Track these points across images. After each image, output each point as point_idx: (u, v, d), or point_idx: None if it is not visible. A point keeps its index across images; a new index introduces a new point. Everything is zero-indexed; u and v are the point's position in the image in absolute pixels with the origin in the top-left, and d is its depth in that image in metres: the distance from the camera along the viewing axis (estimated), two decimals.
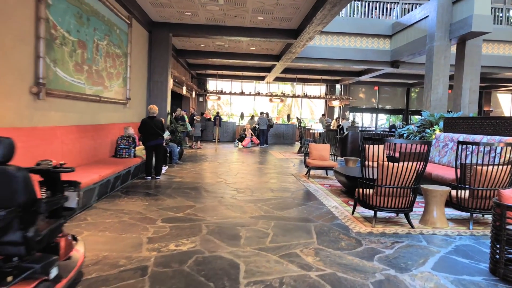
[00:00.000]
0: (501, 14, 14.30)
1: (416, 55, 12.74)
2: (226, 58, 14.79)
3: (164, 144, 8.86)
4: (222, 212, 4.94)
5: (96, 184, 5.08)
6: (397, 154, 9.15)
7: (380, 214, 4.89)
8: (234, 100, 23.10)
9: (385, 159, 8.10)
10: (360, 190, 4.74)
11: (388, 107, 23.83)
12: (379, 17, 14.86)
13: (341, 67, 17.48)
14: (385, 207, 4.47)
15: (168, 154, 9.11)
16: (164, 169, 8.00)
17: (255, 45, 12.90)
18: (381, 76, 18.72)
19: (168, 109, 10.58)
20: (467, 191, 4.64)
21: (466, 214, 5.07)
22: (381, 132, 10.11)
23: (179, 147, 10.03)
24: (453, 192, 4.80)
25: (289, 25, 10.08)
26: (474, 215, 4.71)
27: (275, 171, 9.12)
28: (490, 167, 4.46)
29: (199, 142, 14.65)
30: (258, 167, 9.66)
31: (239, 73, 20.30)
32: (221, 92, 20.93)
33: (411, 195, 4.52)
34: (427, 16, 11.09)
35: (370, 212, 4.99)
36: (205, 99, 21.80)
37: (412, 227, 4.48)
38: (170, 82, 11.19)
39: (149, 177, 7.30)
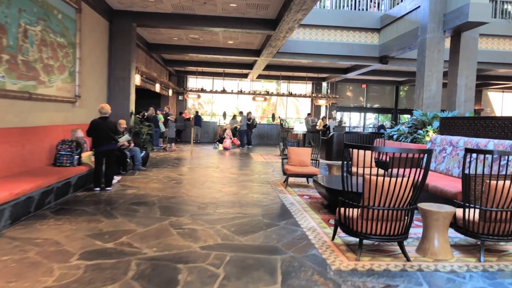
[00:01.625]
0: (495, 7, 13.45)
1: (407, 49, 11.82)
2: (202, 53, 13.68)
3: (127, 148, 7.78)
4: (167, 240, 3.87)
5: (5, 205, 3.96)
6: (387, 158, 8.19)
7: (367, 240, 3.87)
8: (216, 99, 21.99)
9: (373, 168, 7.12)
10: (342, 210, 3.72)
11: (376, 106, 22.99)
12: (367, 10, 13.90)
13: (327, 63, 16.54)
14: (374, 234, 3.46)
15: (128, 160, 8.00)
16: (116, 179, 6.89)
17: (232, 38, 11.83)
18: (369, 73, 17.82)
19: (132, 108, 9.45)
20: (476, 212, 3.66)
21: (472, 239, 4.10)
22: (369, 133, 9.14)
23: (144, 152, 8.92)
24: (458, 212, 3.81)
25: (267, 14, 9.03)
26: (485, 242, 3.73)
27: (251, 178, 8.07)
28: (507, 182, 3.47)
29: (173, 144, 13.52)
30: (232, 174, 8.60)
31: (220, 70, 19.23)
32: (202, 90, 19.80)
33: (406, 218, 3.52)
34: (419, 6, 10.16)
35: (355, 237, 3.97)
36: (184, 98, 20.64)
37: (408, 260, 3.48)
38: (136, 78, 10.07)
39: (98, 189, 6.18)
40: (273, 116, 20.84)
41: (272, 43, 10.96)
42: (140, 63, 11.67)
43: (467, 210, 3.68)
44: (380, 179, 3.36)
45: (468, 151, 3.63)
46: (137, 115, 14.20)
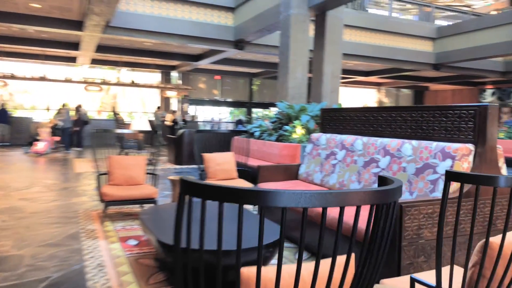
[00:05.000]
0: None
1: (265, 32, 10.24)
2: None
3: None
4: None
5: None
6: (253, 162, 6.28)
7: None
8: (37, 88, 17.22)
9: (236, 180, 5.04)
10: None
11: (230, 99, 21.58)
12: None
13: (176, 47, 14.04)
14: None
15: None
16: None
17: None
18: (223, 62, 16.05)
19: None
20: None
21: None
22: (228, 132, 7.13)
23: None
24: None
25: None
26: None
27: (50, 206, 5.11)
28: None
29: None
30: (22, 199, 5.44)
31: (39, 49, 14.78)
32: (12, 77, 15.04)
33: None
34: None
35: None
36: None
37: None
38: None
39: None
40: (114, 111, 17.37)
41: (94, 8, 7.95)
42: None
43: None
44: (269, 273, 1.14)
45: (451, 178, 1.66)
46: None
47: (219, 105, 21.50)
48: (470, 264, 1.71)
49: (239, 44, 11.87)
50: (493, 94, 21.03)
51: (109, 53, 14.62)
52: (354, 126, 4.26)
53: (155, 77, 18.96)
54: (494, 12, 18.27)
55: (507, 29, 12.53)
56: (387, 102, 24.62)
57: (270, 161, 6.57)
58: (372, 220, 1.20)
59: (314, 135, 4.74)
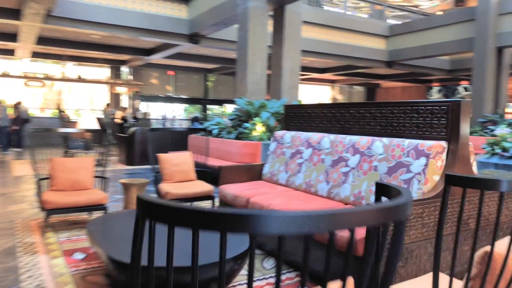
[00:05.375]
0: None
1: (221, 25, 9.90)
2: None
3: None
4: None
5: None
6: (212, 162, 5.95)
7: None
8: None
9: (195, 182, 4.69)
10: None
11: (184, 96, 20.96)
12: None
13: (126, 40, 13.30)
14: None
15: None
16: None
17: None
18: (176, 57, 15.48)
19: None
20: None
21: None
22: (185, 129, 6.74)
23: None
24: None
25: None
26: None
27: None
28: None
29: None
30: None
31: None
32: None
33: None
34: None
35: None
36: None
37: None
38: None
39: None
40: (59, 108, 16.21)
41: None
42: None
43: None
44: None
45: (452, 182, 1.46)
46: None
47: (173, 102, 20.80)
48: (466, 276, 1.53)
49: (193, 38, 11.42)
50: (439, 91, 22.10)
51: (52, 46, 13.56)
52: (320, 123, 4.07)
53: (104, 72, 17.95)
54: (440, 13, 19.14)
55: (453, 28, 13.08)
56: (341, 99, 25.13)
57: (230, 160, 6.29)
58: (382, 240, 0.97)
59: (278, 133, 4.51)
